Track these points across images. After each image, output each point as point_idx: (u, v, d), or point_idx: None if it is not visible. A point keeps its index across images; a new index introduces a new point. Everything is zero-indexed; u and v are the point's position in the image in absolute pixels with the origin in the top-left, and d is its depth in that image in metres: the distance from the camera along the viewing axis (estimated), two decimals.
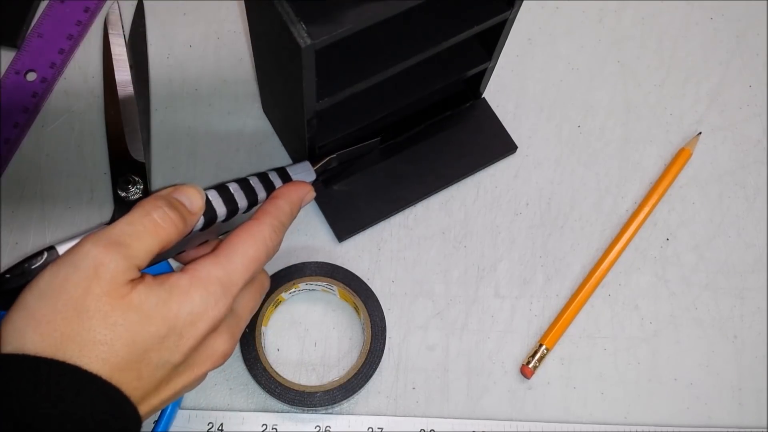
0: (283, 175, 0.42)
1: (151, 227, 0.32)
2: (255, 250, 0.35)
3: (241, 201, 0.39)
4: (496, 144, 0.52)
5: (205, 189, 0.37)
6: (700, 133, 0.55)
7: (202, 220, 0.36)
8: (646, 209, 0.52)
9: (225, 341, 0.34)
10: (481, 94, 0.53)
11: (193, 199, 0.35)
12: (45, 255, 0.33)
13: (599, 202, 0.53)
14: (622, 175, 0.53)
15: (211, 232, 0.39)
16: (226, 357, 0.35)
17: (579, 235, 0.51)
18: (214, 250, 0.35)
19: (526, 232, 0.51)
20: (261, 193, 0.40)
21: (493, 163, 0.52)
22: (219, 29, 0.56)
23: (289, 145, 0.51)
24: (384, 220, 0.51)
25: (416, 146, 0.51)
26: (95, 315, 0.29)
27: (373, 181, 0.51)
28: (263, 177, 0.41)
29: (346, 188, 0.50)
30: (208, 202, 0.37)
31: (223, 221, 0.38)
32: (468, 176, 0.52)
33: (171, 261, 0.39)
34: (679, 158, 0.53)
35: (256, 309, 0.38)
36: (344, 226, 0.50)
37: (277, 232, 0.37)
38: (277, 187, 0.41)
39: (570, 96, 0.56)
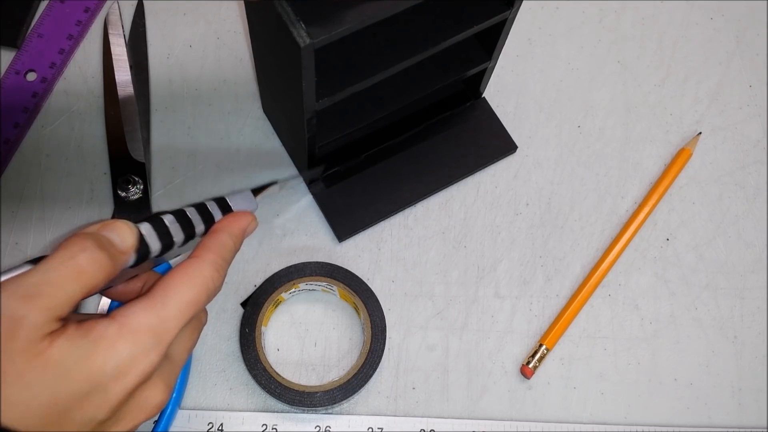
0: (223, 205, 0.39)
1: (74, 273, 0.29)
2: (194, 293, 0.32)
3: (177, 235, 0.36)
4: (496, 143, 0.52)
5: (138, 222, 0.34)
6: (700, 133, 0.55)
7: (133, 256, 0.33)
8: (646, 209, 0.52)
9: (159, 392, 0.32)
10: (481, 93, 0.53)
11: (124, 237, 0.32)
12: None
13: (599, 202, 0.53)
14: (622, 175, 0.53)
15: (143, 266, 0.36)
16: (160, 407, 0.32)
17: (579, 235, 0.51)
18: (147, 291, 0.32)
19: (526, 232, 0.51)
20: (199, 226, 0.37)
21: (493, 162, 0.52)
22: (219, 29, 0.56)
23: (288, 145, 0.51)
24: (384, 220, 0.51)
25: (416, 146, 0.51)
26: (9, 375, 0.27)
27: (374, 181, 0.51)
28: (201, 208, 0.38)
29: (346, 188, 0.50)
30: (140, 237, 0.34)
31: (157, 257, 0.36)
32: (468, 176, 0.52)
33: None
34: (679, 158, 0.53)
35: (194, 348, 0.35)
36: (344, 227, 0.50)
37: (220, 270, 0.34)
38: (216, 218, 0.38)
39: (570, 96, 0.56)
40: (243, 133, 0.53)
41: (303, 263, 0.47)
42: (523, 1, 0.42)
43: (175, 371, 0.33)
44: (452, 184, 0.52)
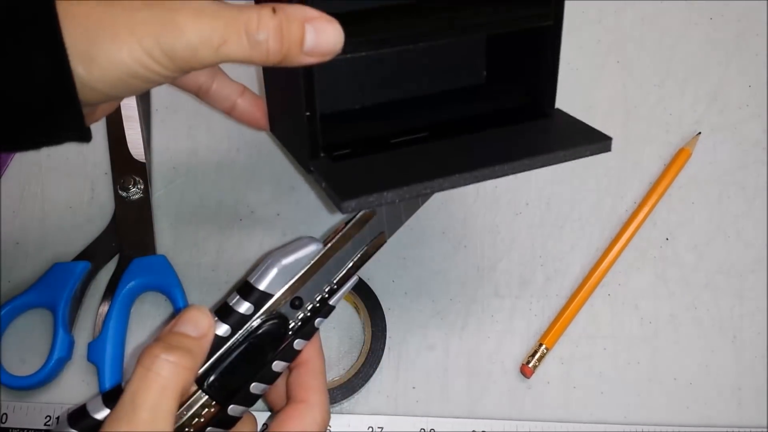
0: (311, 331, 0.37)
1: (158, 390, 0.29)
2: None
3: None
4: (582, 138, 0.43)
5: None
6: (700, 133, 0.55)
7: (212, 336, 0.33)
8: (645, 209, 0.52)
9: None
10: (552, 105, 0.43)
11: (199, 323, 0.32)
12: None
13: (599, 202, 0.53)
14: (621, 175, 0.53)
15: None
16: None
17: (579, 235, 0.52)
18: None
19: (526, 232, 0.51)
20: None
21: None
22: None
23: (284, 133, 0.44)
24: (401, 188, 0.36)
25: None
26: None
27: (394, 162, 0.39)
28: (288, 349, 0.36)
29: (356, 164, 0.39)
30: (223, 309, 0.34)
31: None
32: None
33: None
34: (678, 158, 0.53)
35: None
36: (349, 187, 0.36)
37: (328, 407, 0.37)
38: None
39: (570, 96, 0.55)
40: (244, 133, 0.52)
41: None
42: None
43: None
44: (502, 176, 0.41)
